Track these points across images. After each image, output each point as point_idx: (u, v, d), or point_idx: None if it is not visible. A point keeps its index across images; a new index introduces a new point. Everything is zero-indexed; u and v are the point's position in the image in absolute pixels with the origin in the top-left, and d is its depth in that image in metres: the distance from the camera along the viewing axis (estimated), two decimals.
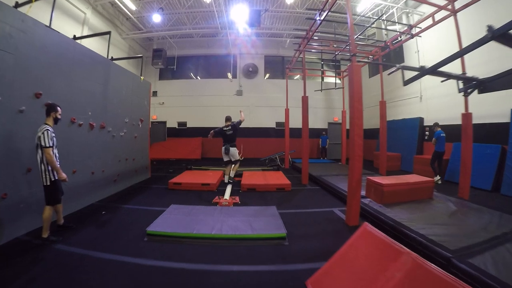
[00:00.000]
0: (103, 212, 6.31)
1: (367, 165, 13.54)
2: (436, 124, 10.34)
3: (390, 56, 14.95)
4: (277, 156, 15.24)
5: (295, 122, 14.49)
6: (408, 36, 10.27)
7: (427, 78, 10.89)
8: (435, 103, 12.39)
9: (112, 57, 8.86)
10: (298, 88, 14.40)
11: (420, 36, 10.40)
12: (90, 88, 7.05)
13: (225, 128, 9.44)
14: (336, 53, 12.81)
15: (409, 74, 7.63)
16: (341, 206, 6.93)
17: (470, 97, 7.72)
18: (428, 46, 12.72)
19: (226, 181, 8.96)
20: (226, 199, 7.09)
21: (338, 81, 17.26)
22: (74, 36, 8.13)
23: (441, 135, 9.95)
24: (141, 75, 10.52)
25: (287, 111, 14.72)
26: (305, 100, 10.08)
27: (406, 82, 7.33)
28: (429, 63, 10.25)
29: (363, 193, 6.67)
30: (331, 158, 18.52)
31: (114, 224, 5.59)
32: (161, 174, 11.79)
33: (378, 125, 14.61)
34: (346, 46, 11.70)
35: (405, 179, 6.93)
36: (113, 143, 8.21)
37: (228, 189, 8.17)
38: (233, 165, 9.25)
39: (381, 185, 6.28)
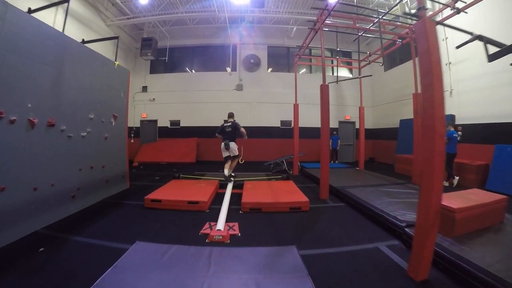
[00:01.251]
0: (41, 249, 4.19)
1: (386, 170, 13.14)
2: (450, 123, 9.72)
3: (409, 45, 12.94)
4: (284, 160, 13.12)
5: (304, 120, 12.99)
6: (454, 10, 8.42)
7: (459, 69, 10.91)
8: (469, 98, 10.77)
9: (83, 39, 7.83)
10: (306, 82, 12.73)
11: (466, 12, 8.43)
12: (31, 71, 4.95)
13: (226, 125, 9.52)
14: (360, 33, 10.72)
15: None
16: (386, 238, 4.88)
17: None
18: (460, 34, 10.52)
19: (226, 174, 8.46)
20: (220, 229, 4.92)
21: (348, 73, 16.97)
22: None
23: (454, 135, 9.34)
24: (115, 60, 8.42)
25: (296, 107, 12.68)
26: (325, 90, 8.21)
27: (492, 57, 5.04)
28: (461, 56, 10.53)
29: (408, 215, 5.20)
30: (343, 162, 16.84)
31: (45, 277, 3.44)
32: (144, 183, 9.83)
33: (396, 123, 15.18)
34: (376, 21, 9.66)
35: (471, 197, 4.90)
36: (70, 146, 6.07)
37: (223, 211, 5.97)
38: (231, 160, 9.00)
39: (451, 210, 4.19)
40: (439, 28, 10.02)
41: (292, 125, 15.52)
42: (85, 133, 6.61)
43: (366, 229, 5.42)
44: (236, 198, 7.24)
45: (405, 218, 5.02)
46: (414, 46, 10.01)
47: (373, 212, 5.84)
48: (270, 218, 5.94)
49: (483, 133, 9.97)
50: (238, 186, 8.47)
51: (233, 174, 9.08)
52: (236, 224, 5.40)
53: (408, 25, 10.16)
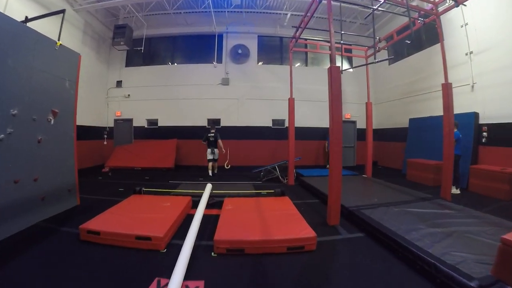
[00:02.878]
0: None
1: (395, 176, 11.87)
2: (456, 124, 8.55)
3: (420, 32, 12.08)
4: (277, 166, 11.14)
5: (299, 119, 11.17)
6: (452, 3, 7.54)
7: (483, 59, 9.53)
8: (496, 93, 9.18)
9: (26, 17, 6.50)
10: (301, 76, 10.88)
11: (465, 5, 7.86)
12: None
13: (210, 135, 11.30)
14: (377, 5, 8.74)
15: None
16: None
17: None
18: (484, 18, 9.53)
19: (210, 174, 10.58)
20: None
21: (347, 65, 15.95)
22: None
23: (460, 136, 8.69)
24: (58, 40, 6.38)
25: (291, 102, 10.69)
26: (335, 72, 6.03)
27: None
28: (485, 44, 9.40)
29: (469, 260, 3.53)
30: (343, 166, 14.41)
31: None
32: (103, 196, 7.88)
33: (403, 123, 13.77)
34: None
35: None
36: None
37: (185, 254, 3.68)
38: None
39: None
40: (458, 12, 8.98)
41: (286, 124, 14.12)
42: (2, 136, 4.60)
43: (410, 282, 3.53)
44: (211, 224, 5.38)
45: (471, 268, 3.30)
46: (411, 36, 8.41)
47: (414, 254, 3.88)
48: (257, 266, 3.95)
49: None
50: (215, 204, 6.66)
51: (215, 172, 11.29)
52: (202, 283, 3.35)
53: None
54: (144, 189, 7.18)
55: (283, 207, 6.16)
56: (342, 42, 9.81)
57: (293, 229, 4.79)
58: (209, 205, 6.33)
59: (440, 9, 8.18)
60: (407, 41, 9.66)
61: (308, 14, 8.70)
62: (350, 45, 13.08)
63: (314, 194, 8.55)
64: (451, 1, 7.74)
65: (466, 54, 9.88)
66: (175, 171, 13.24)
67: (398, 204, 6.37)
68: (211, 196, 6.77)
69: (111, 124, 15.58)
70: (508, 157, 8.67)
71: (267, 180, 10.85)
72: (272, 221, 5.19)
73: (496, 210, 6.50)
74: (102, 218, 5.11)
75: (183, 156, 14.79)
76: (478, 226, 4.76)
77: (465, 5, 7.67)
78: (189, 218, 5.50)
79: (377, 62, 8.81)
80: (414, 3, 9.02)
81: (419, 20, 8.52)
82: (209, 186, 6.77)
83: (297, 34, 9.80)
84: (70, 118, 6.66)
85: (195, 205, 6.27)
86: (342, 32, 9.58)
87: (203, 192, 6.58)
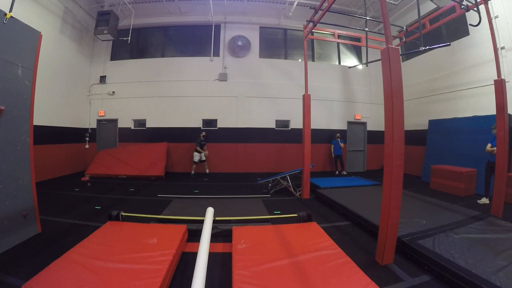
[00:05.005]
0: None
1: (415, 184, 10.89)
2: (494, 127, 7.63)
3: (440, 28, 11.62)
4: (288, 176, 9.44)
5: (301, 120, 9.26)
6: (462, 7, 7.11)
7: None
8: None
9: None
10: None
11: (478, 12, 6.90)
12: None
13: (203, 142, 12.27)
14: None
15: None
16: None
17: None
18: None
19: (193, 172, 12.01)
20: None
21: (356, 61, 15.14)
22: None
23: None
24: (10, 10, 4.75)
25: (307, 99, 8.85)
26: (394, 55, 4.36)
27: None
28: None
29: None
30: (352, 172, 14.30)
31: None
32: (73, 220, 6.14)
33: (421, 125, 12.96)
34: None
35: None
36: None
37: None
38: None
39: None
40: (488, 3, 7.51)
41: (291, 126, 14.24)
42: None
43: None
44: (217, 270, 4.01)
45: None
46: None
47: None
48: None
49: None
50: (219, 233, 5.13)
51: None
52: None
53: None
54: (124, 214, 5.37)
55: (316, 240, 4.50)
56: (367, 29, 8.41)
57: (348, 284, 3.28)
58: (212, 236, 4.64)
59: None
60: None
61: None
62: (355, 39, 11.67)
63: (338, 211, 7.10)
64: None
65: (497, 49, 8.65)
66: (165, 180, 11.66)
67: (452, 227, 5.31)
68: (214, 224, 5.04)
69: (94, 125, 14.00)
70: None
71: (276, 192, 9.40)
72: (311, 269, 3.62)
73: None
74: (55, 271, 3.35)
75: (175, 162, 13.50)
76: None
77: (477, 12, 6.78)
78: (185, 260, 4.21)
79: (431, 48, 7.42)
80: None
81: (462, 5, 7.24)
82: (210, 212, 5.04)
83: (316, 17, 8.11)
84: (24, 118, 5.00)
85: (191, 235, 4.82)
86: (368, 18, 8.19)
87: (202, 219, 4.86)
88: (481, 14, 6.74)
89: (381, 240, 4.38)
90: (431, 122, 12.35)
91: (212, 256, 3.90)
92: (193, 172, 12.18)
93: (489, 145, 7.98)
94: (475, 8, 6.67)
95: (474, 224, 5.56)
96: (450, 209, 6.70)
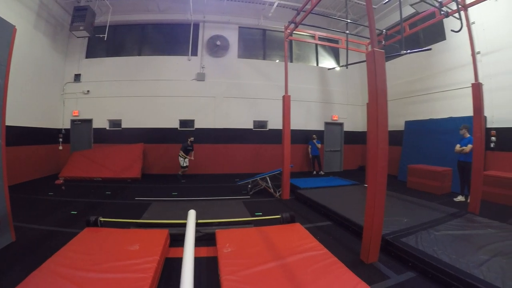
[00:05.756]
0: None
1: (393, 184, 10.72)
2: (465, 126, 8.30)
3: (418, 33, 11.68)
4: (268, 177, 9.40)
5: (280, 121, 9.46)
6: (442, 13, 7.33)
7: (492, 60, 9.26)
8: (507, 96, 8.93)
9: None
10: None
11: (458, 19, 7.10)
12: None
13: (189, 147, 11.80)
14: None
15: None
16: None
17: None
18: (493, 17, 9.27)
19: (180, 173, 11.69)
20: None
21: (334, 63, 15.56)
22: None
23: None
24: None
25: (287, 99, 8.94)
26: (379, 59, 4.43)
27: None
28: (494, 44, 9.17)
29: None
30: (330, 172, 14.44)
31: None
32: (49, 227, 5.84)
33: (397, 125, 13.10)
34: None
35: None
36: None
37: None
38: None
39: None
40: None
41: (269, 127, 14.25)
42: None
43: None
44: (203, 275, 3.92)
45: None
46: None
47: None
48: None
49: None
50: (204, 237, 5.04)
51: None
52: None
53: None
54: (102, 219, 5.16)
55: (301, 241, 4.49)
56: (347, 32, 8.52)
57: (338, 285, 3.32)
58: (195, 240, 4.52)
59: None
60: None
61: None
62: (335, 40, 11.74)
63: (319, 212, 7.16)
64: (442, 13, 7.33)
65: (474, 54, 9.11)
66: (142, 182, 11.39)
67: (433, 225, 5.53)
68: (197, 228, 4.89)
69: (68, 126, 13.46)
70: None
71: (255, 193, 9.36)
72: (300, 270, 3.63)
73: None
74: (35, 284, 3.11)
75: (151, 164, 13.18)
76: None
77: (457, 18, 6.98)
78: (169, 266, 4.06)
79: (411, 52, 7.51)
80: None
81: (442, 11, 7.41)
82: (192, 214, 4.90)
83: (298, 19, 8.14)
84: None
85: (173, 240, 4.72)
86: (348, 21, 8.31)
87: (183, 222, 4.74)
88: (460, 20, 6.91)
89: (366, 239, 4.43)
90: (408, 123, 12.62)
91: (196, 260, 3.73)
92: (180, 173, 11.94)
93: (458, 145, 8.28)
94: (455, 15, 6.81)
95: (453, 221, 5.76)
96: (429, 207, 6.92)
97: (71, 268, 3.43)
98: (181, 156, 11.58)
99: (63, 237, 4.73)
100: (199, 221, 5.12)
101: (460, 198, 8.31)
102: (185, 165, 11.70)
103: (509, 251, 4.20)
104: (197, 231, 4.79)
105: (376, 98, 4.30)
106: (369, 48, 10.49)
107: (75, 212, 6.83)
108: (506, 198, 7.81)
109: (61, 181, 10.38)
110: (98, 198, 8.38)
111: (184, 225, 4.57)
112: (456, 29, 7.09)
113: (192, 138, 11.73)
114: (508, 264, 3.80)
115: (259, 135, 14.13)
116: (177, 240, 4.60)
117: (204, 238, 4.93)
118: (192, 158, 11.90)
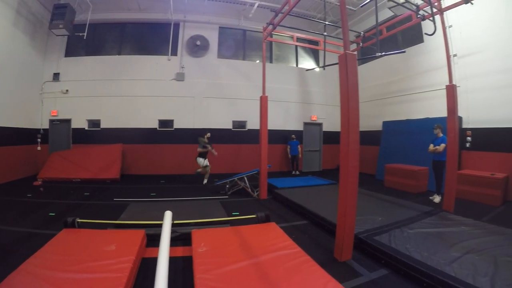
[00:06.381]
0: None
1: (370, 183, 11.26)
2: (439, 126, 8.40)
3: (396, 35, 12.01)
4: (245, 177, 9.50)
5: (258, 121, 9.46)
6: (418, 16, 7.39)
7: (468, 63, 9.65)
8: (482, 97, 9.31)
9: None
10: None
11: (472, 3, 6.93)
12: None
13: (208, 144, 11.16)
14: None
15: None
16: None
17: None
18: (470, 21, 9.63)
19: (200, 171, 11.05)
20: None
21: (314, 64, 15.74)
22: None
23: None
24: None
25: (264, 100, 9.00)
26: (351, 61, 4.51)
27: None
28: (470, 47, 9.55)
29: None
30: (309, 172, 14.70)
31: None
32: (27, 229, 5.75)
33: (374, 126, 13.53)
34: None
35: None
36: None
37: None
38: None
39: None
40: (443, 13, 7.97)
41: (248, 127, 14.38)
42: None
43: None
44: (178, 275, 3.95)
45: None
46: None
47: None
48: None
49: (500, 140, 8.70)
50: (179, 237, 5.07)
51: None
52: None
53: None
54: (79, 221, 5.13)
55: (275, 240, 4.57)
56: (325, 34, 8.64)
57: (310, 282, 3.38)
58: (171, 240, 4.55)
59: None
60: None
61: None
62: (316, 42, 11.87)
63: (296, 211, 7.27)
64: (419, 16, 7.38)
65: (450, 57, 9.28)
66: (121, 183, 11.27)
67: (407, 223, 5.63)
68: (173, 228, 4.93)
69: (46, 126, 13.20)
70: (492, 161, 8.90)
71: (233, 193, 9.42)
72: (272, 269, 3.70)
73: (495, 218, 6.61)
74: (12, 286, 3.14)
75: (130, 164, 13.04)
76: (506, 244, 4.54)
77: (472, 3, 6.84)
78: (145, 266, 4.09)
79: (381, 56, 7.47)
80: None
81: (419, 15, 7.50)
82: (168, 215, 4.92)
83: (276, 20, 8.25)
84: None
85: (150, 240, 4.75)
86: (326, 22, 8.46)
87: (161, 223, 4.68)
88: (437, 24, 6.99)
89: (339, 237, 4.53)
90: (385, 123, 12.83)
91: (172, 260, 3.84)
92: (199, 171, 11.21)
93: (431, 145, 8.43)
94: (431, 18, 6.92)
95: (427, 219, 5.89)
96: (404, 205, 7.07)
97: (48, 269, 3.44)
98: (200, 157, 11.05)
99: (41, 239, 4.62)
100: (176, 221, 5.17)
101: (436, 198, 8.41)
102: (205, 164, 11.06)
103: (481, 248, 4.31)
104: (173, 231, 4.85)
105: (347, 100, 4.38)
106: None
107: (53, 214, 6.75)
108: (480, 196, 8.08)
109: (40, 182, 10.28)
110: (77, 200, 8.26)
111: (161, 226, 4.56)
112: (430, 33, 7.25)
113: (208, 134, 11.44)
114: (480, 261, 3.88)
115: (238, 135, 14.20)
116: (154, 240, 4.60)
117: (181, 238, 4.95)
118: (215, 153, 11.10)
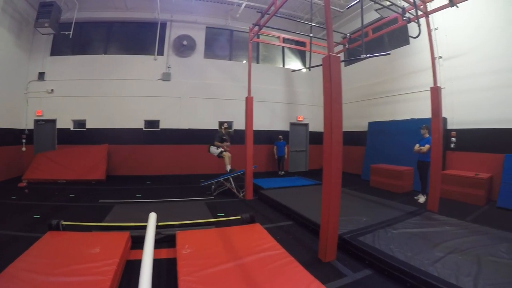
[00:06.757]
0: None
1: (355, 183, 11.48)
2: (427, 127, 8.42)
3: (383, 37, 12.11)
4: (231, 177, 9.50)
5: (244, 121, 9.44)
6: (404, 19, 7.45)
7: (453, 65, 9.74)
8: (466, 99, 9.42)
9: None
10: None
11: (457, 7, 7.00)
12: None
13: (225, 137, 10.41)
14: None
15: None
16: None
17: None
18: (456, 24, 9.71)
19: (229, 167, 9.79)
20: None
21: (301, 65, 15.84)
22: None
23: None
24: None
25: (250, 101, 9.03)
26: (335, 63, 4.53)
27: None
28: (455, 50, 9.66)
29: None
30: (293, 172, 14.91)
31: None
32: (12, 231, 5.64)
33: (360, 126, 13.68)
34: None
35: None
36: None
37: None
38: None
39: None
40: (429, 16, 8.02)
41: (234, 127, 14.09)
42: None
43: None
44: (163, 277, 3.90)
45: None
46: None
47: None
48: None
49: (484, 140, 8.83)
50: (163, 239, 5.03)
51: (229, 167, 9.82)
52: None
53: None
54: (64, 223, 5.06)
55: (260, 241, 4.60)
56: (311, 35, 8.70)
57: (293, 283, 3.42)
58: (156, 242, 4.55)
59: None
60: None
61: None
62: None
63: (281, 212, 7.27)
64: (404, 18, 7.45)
65: (435, 58, 9.18)
66: (106, 184, 11.12)
67: (391, 223, 5.66)
68: (158, 230, 4.95)
69: (31, 126, 12.96)
70: (476, 162, 9.00)
71: (219, 193, 9.42)
72: (256, 270, 3.71)
73: (478, 218, 6.73)
74: None
75: (116, 165, 12.87)
76: (489, 243, 4.60)
77: (457, 7, 6.93)
78: (130, 268, 4.02)
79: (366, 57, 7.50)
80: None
81: (404, 17, 7.56)
82: (153, 217, 4.90)
83: (262, 21, 8.25)
84: None
85: (135, 241, 4.68)
86: (312, 24, 8.54)
87: (145, 225, 4.75)
88: (422, 26, 7.11)
89: (323, 238, 4.54)
90: (371, 124, 12.91)
91: (157, 262, 3.87)
92: (229, 167, 10.05)
93: (417, 145, 8.55)
94: (416, 21, 6.98)
95: (411, 219, 5.95)
96: (389, 205, 7.16)
97: (33, 273, 3.41)
98: (213, 145, 10.26)
99: (26, 242, 4.57)
100: (161, 223, 5.15)
101: (421, 198, 8.52)
102: (219, 151, 10.12)
103: (465, 248, 4.35)
104: (158, 233, 4.84)
105: (330, 102, 4.41)
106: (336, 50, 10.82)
107: (38, 216, 6.64)
108: (465, 196, 8.20)
109: (25, 183, 10.04)
110: (62, 201, 8.15)
111: (145, 228, 4.58)
112: (415, 36, 7.31)
113: (226, 124, 10.90)
114: (463, 260, 3.92)
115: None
116: (139, 242, 4.47)
117: (166, 240, 4.93)
118: (229, 143, 10.47)
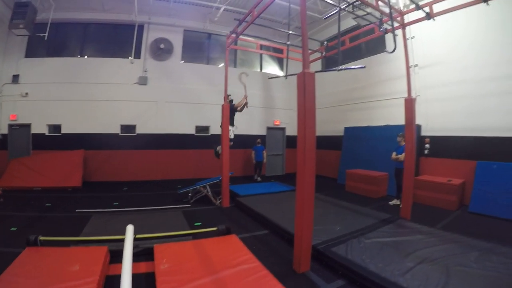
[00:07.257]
0: None
1: (332, 188, 11.65)
2: (402, 135, 8.45)
3: (360, 44, 11.47)
4: (208, 185, 9.46)
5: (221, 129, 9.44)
6: (381, 30, 7.58)
7: (428, 73, 10.02)
8: (441, 107, 9.73)
9: None
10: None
11: (434, 19, 7.21)
12: None
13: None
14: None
15: None
16: None
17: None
18: (432, 33, 9.90)
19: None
20: None
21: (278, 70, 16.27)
22: None
23: None
24: None
25: (226, 108, 9.14)
26: (309, 80, 4.62)
27: None
28: (430, 56, 9.94)
29: None
30: (270, 175, 15.21)
31: None
32: None
33: (336, 131, 13.89)
34: None
35: None
36: None
37: None
38: None
39: None
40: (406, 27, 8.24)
41: (211, 132, 14.41)
42: None
43: None
44: (145, 287, 4.09)
45: None
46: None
47: None
48: None
49: (457, 147, 9.16)
50: (143, 252, 5.04)
51: None
52: None
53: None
54: (42, 238, 4.95)
55: (236, 254, 4.66)
56: (289, 43, 8.82)
57: None
58: (134, 255, 4.53)
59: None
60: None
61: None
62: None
63: (257, 220, 7.34)
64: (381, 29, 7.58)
65: (411, 67, 9.71)
66: (83, 191, 10.91)
67: (364, 232, 5.80)
68: (136, 242, 4.95)
69: (5, 131, 12.59)
70: (449, 168, 9.30)
71: (196, 201, 9.40)
72: (232, 285, 3.80)
73: (451, 223, 7.08)
74: None
75: (92, 171, 12.62)
76: (459, 252, 4.71)
77: (434, 20, 7.12)
78: (110, 284, 4.07)
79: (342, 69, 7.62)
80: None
81: (381, 28, 7.71)
82: (130, 230, 4.87)
83: (239, 29, 8.31)
84: None
85: (113, 255, 4.69)
86: (290, 32, 8.64)
87: (123, 238, 4.63)
88: (399, 37, 7.25)
89: (297, 249, 4.65)
90: (347, 129, 13.15)
91: (136, 277, 3.83)
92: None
93: (394, 153, 8.80)
94: (392, 32, 7.07)
95: (384, 227, 6.08)
96: (363, 213, 7.30)
97: None
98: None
99: (4, 258, 4.50)
100: (138, 235, 5.12)
101: (395, 201, 8.84)
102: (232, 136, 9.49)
103: (435, 257, 4.48)
104: (136, 246, 4.86)
105: (304, 118, 4.55)
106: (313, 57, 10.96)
107: (15, 229, 6.46)
108: (438, 201, 8.48)
109: (0, 192, 9.79)
110: (38, 211, 7.90)
111: (123, 241, 4.52)
112: (391, 50, 7.38)
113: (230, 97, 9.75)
114: (433, 270, 4.04)
115: (201, 140, 14.20)
116: (118, 256, 4.43)
117: (143, 253, 4.95)
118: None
